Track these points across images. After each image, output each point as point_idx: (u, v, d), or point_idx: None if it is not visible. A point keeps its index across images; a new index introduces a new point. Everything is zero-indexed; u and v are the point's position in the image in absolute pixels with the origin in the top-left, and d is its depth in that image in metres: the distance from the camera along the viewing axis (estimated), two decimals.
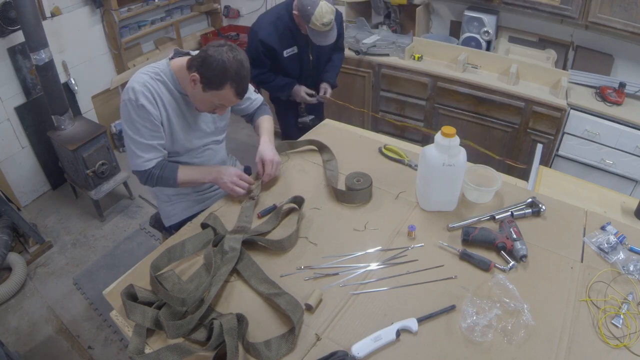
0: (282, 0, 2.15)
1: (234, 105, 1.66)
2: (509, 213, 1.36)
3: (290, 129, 2.48)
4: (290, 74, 2.25)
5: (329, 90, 2.37)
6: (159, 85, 1.37)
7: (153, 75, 1.37)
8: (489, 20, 2.82)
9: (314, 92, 2.30)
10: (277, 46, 2.09)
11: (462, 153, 1.29)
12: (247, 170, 1.79)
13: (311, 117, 2.42)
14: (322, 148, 1.70)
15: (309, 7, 1.92)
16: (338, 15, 2.13)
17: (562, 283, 1.15)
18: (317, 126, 1.96)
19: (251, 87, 1.69)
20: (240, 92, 1.33)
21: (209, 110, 1.42)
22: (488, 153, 1.98)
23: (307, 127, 2.17)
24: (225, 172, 1.47)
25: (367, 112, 3.15)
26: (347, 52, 3.03)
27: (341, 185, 1.48)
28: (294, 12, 2.01)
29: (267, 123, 1.69)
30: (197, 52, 1.35)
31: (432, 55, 2.94)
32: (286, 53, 2.13)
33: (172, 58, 1.42)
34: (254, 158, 1.55)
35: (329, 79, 2.37)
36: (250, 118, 1.75)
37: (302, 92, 2.26)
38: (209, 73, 1.27)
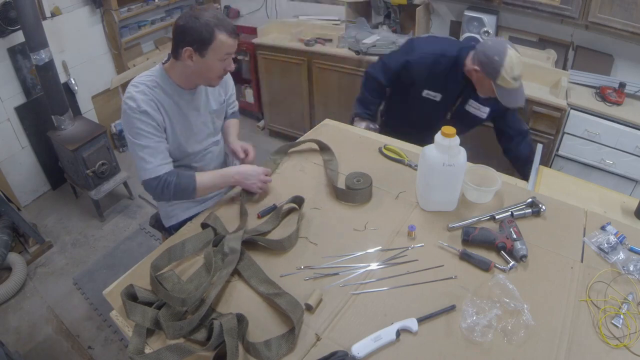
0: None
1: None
2: (509, 213, 1.36)
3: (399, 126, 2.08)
4: (409, 118, 1.92)
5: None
6: (156, 92, 1.36)
7: (149, 83, 1.36)
8: (489, 20, 2.82)
9: (366, 125, 1.95)
10: (419, 82, 1.79)
11: (462, 153, 1.29)
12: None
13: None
14: (323, 148, 1.70)
15: (496, 58, 1.54)
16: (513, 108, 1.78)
17: (562, 283, 1.15)
18: (317, 126, 1.96)
19: (234, 96, 1.72)
20: (232, 31, 1.31)
21: (221, 73, 1.39)
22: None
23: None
24: (251, 171, 1.45)
25: None
26: (347, 52, 3.03)
27: (341, 185, 1.48)
28: (474, 67, 1.64)
29: (234, 127, 1.75)
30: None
31: None
32: (425, 94, 1.81)
33: (165, 62, 1.42)
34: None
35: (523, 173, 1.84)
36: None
37: (363, 125, 1.92)
38: (194, 36, 1.27)
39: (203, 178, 1.42)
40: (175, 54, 1.34)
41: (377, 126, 2.01)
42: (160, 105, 1.36)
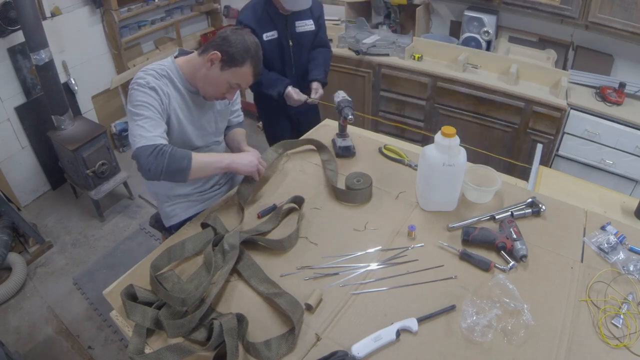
0: None
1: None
2: (509, 213, 1.36)
3: (280, 130, 2.39)
4: (272, 63, 2.13)
5: (320, 90, 2.16)
6: (164, 82, 1.37)
7: (159, 71, 1.37)
8: (489, 20, 2.82)
9: (306, 98, 2.10)
10: (256, 27, 2.01)
11: (462, 153, 1.29)
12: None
13: (348, 138, 1.77)
14: (320, 148, 1.70)
15: None
16: (317, 4, 2.15)
17: (562, 283, 1.15)
18: (317, 126, 1.96)
19: (239, 99, 1.73)
20: (258, 73, 1.38)
21: (220, 93, 1.40)
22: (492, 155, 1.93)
23: (347, 153, 1.73)
24: (247, 155, 1.46)
25: (366, 116, 3.15)
26: (347, 52, 3.03)
27: (341, 186, 1.48)
28: None
29: (244, 135, 1.73)
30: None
31: (432, 55, 2.94)
32: (266, 37, 2.06)
33: (176, 56, 1.43)
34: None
35: (317, 76, 2.18)
36: (226, 129, 1.73)
37: (294, 95, 2.08)
38: (231, 50, 1.31)
39: (199, 155, 1.34)
40: (204, 49, 1.36)
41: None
42: (168, 92, 1.37)
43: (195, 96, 1.45)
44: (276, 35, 2.09)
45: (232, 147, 1.69)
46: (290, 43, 2.15)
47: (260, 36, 2.04)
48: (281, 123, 2.41)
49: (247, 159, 1.43)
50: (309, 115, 2.38)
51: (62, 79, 3.00)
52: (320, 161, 1.66)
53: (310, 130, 1.93)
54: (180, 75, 1.40)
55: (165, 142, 1.29)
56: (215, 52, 1.31)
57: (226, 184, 1.71)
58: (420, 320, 1.04)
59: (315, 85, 2.19)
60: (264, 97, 2.26)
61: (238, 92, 1.67)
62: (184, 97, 1.42)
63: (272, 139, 2.37)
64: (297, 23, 2.12)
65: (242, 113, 1.77)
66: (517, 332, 1.00)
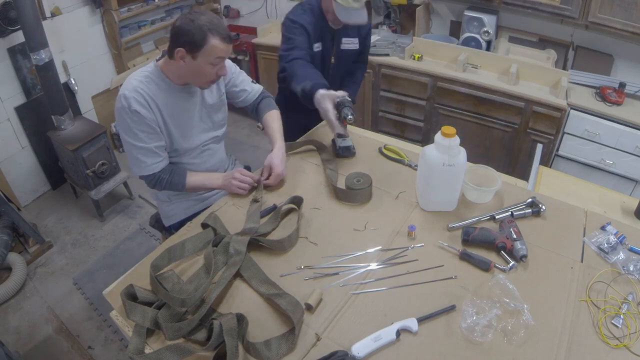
0: None
1: (232, 98, 1.66)
2: (509, 213, 1.36)
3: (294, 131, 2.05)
4: None
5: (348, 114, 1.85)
6: (150, 88, 1.37)
7: (143, 78, 1.38)
8: (489, 20, 2.82)
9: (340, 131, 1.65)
10: (311, 33, 1.85)
11: (462, 153, 1.29)
12: (247, 169, 1.79)
13: (348, 138, 1.73)
14: (320, 148, 1.70)
15: None
16: (367, 24, 1.99)
17: (562, 283, 1.15)
18: (316, 126, 1.96)
19: (248, 79, 1.70)
20: (225, 36, 1.33)
21: (212, 77, 1.41)
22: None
23: (347, 153, 1.70)
24: (228, 175, 1.50)
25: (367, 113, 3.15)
26: None
27: (341, 186, 1.48)
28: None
29: (277, 123, 1.67)
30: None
31: (432, 55, 2.94)
32: (315, 48, 1.93)
33: (159, 59, 1.44)
34: (253, 158, 1.55)
35: (351, 94, 1.87)
36: (254, 110, 1.73)
37: (330, 109, 1.55)
38: (187, 38, 1.30)
39: (192, 179, 1.51)
40: (169, 52, 1.36)
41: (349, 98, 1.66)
42: (152, 103, 1.38)
43: (184, 94, 1.46)
44: (320, 49, 1.96)
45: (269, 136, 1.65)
46: (333, 60, 2.03)
47: (311, 45, 1.88)
48: (293, 121, 2.06)
49: (228, 182, 1.48)
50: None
51: (62, 79, 3.00)
52: (320, 161, 1.66)
53: (310, 131, 1.93)
54: (163, 78, 1.41)
55: (162, 166, 1.46)
56: (178, 49, 1.32)
57: None
58: (420, 320, 1.04)
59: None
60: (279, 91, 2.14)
61: (235, 72, 1.65)
62: (171, 99, 1.43)
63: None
64: (344, 40, 2.00)
65: (257, 86, 1.72)
66: (517, 332, 1.00)
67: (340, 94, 1.59)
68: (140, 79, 1.37)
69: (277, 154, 1.53)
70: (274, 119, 1.68)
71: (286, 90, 1.87)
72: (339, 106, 1.56)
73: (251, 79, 1.72)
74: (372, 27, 3.18)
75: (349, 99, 1.58)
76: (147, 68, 1.42)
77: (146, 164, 1.42)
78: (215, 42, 1.31)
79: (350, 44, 2.03)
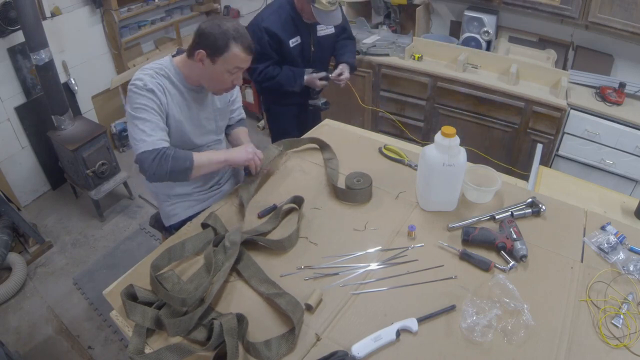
0: None
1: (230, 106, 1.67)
2: (509, 213, 1.36)
3: (286, 127, 2.35)
4: (295, 66, 2.16)
5: (347, 73, 2.21)
6: (163, 81, 1.37)
7: (158, 70, 1.37)
8: (489, 20, 2.82)
9: (324, 74, 2.16)
10: (283, 35, 2.02)
11: (462, 153, 1.29)
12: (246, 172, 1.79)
13: (324, 100, 2.28)
14: (323, 147, 1.70)
15: None
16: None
17: (562, 283, 1.15)
18: (317, 126, 1.96)
19: (240, 96, 1.72)
20: (247, 47, 1.34)
21: (227, 84, 1.41)
22: (490, 158, 1.96)
23: (317, 110, 2.18)
24: (242, 147, 1.49)
25: (368, 107, 3.15)
26: None
27: (341, 185, 1.48)
28: None
29: (246, 134, 1.71)
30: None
31: (432, 55, 2.94)
32: (292, 43, 2.07)
33: (174, 56, 1.43)
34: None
35: (348, 59, 2.24)
36: (228, 128, 1.73)
37: (316, 79, 2.13)
38: (210, 42, 1.30)
39: (200, 155, 1.39)
40: (189, 52, 1.36)
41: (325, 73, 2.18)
42: (166, 91, 1.37)
43: (195, 94, 1.45)
44: (299, 41, 2.10)
45: (235, 147, 1.68)
46: (313, 48, 2.16)
47: (286, 42, 2.05)
48: (288, 120, 2.39)
49: (243, 150, 1.46)
50: (315, 114, 2.41)
51: (62, 79, 3.00)
52: (320, 160, 1.66)
53: (311, 130, 1.93)
54: (178, 74, 1.40)
55: (166, 144, 1.33)
56: (199, 50, 1.31)
57: (226, 183, 1.71)
58: (420, 320, 1.04)
59: (341, 66, 2.21)
60: (269, 93, 2.28)
61: (238, 91, 1.68)
62: (184, 95, 1.42)
63: (277, 137, 2.29)
64: (319, 27, 2.13)
65: (243, 111, 1.76)
66: (517, 332, 1.00)
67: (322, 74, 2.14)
68: (156, 70, 1.37)
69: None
70: (242, 132, 1.72)
71: (271, 91, 2.23)
72: (324, 78, 2.14)
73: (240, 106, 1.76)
74: (372, 27, 3.19)
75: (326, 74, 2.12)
76: (162, 61, 1.41)
77: (153, 137, 1.30)
78: (237, 51, 1.31)
79: (325, 29, 2.17)
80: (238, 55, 1.32)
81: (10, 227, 2.56)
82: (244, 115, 1.77)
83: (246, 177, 1.56)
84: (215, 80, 1.39)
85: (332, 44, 2.26)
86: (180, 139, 1.46)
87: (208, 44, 1.30)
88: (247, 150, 1.47)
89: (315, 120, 2.28)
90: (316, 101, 2.28)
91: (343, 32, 2.27)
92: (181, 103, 1.42)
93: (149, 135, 1.30)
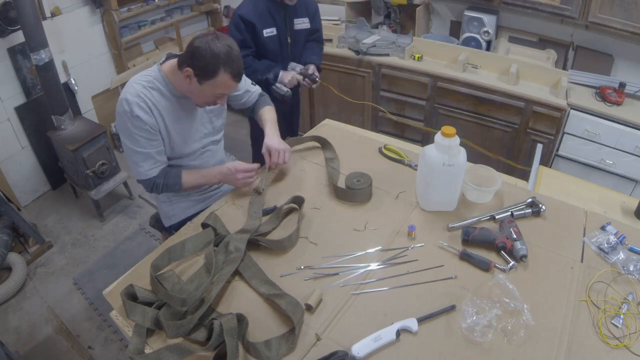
0: None
1: (234, 100, 1.66)
2: (509, 213, 1.36)
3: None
4: (270, 59, 2.20)
5: (317, 73, 2.27)
6: (152, 94, 1.36)
7: (145, 83, 1.36)
8: (489, 20, 2.82)
9: (301, 67, 2.23)
10: (257, 22, 2.06)
11: (462, 153, 1.29)
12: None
13: (287, 89, 2.22)
14: (325, 145, 1.70)
15: None
16: (311, 2, 2.26)
17: (562, 283, 1.15)
18: (317, 126, 1.96)
19: (248, 80, 1.70)
20: (236, 75, 1.32)
21: (210, 103, 1.41)
22: (489, 154, 1.97)
23: (284, 100, 2.17)
24: (227, 171, 1.47)
25: (368, 103, 3.15)
26: (347, 52, 3.03)
27: (341, 185, 1.48)
28: None
29: (269, 114, 1.68)
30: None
31: (432, 55, 2.94)
32: (266, 33, 2.11)
33: (163, 62, 1.41)
34: (253, 156, 1.55)
35: (315, 60, 2.30)
36: (252, 111, 1.74)
37: (288, 72, 2.19)
38: (200, 64, 1.27)
39: (188, 177, 1.49)
40: (179, 64, 1.34)
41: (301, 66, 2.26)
42: (154, 108, 1.37)
43: (184, 101, 1.44)
44: (275, 32, 2.14)
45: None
46: (289, 40, 2.22)
47: (260, 32, 2.10)
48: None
49: (230, 177, 1.47)
50: (293, 107, 2.51)
51: (62, 79, 3.00)
52: (321, 160, 1.66)
53: (311, 130, 1.93)
54: (167, 84, 1.39)
55: (156, 172, 1.45)
56: (187, 68, 1.29)
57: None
58: (420, 320, 1.04)
59: (310, 67, 2.25)
60: None
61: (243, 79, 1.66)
62: (174, 105, 1.42)
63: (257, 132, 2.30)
64: (296, 20, 2.19)
65: (255, 87, 1.73)
66: (517, 332, 1.00)
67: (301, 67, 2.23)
68: (142, 84, 1.35)
69: (269, 137, 1.55)
70: (266, 111, 1.69)
71: None
72: (302, 71, 2.22)
73: (251, 81, 1.72)
74: (372, 27, 3.19)
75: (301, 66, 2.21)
76: (149, 72, 1.40)
77: (143, 168, 1.41)
78: (225, 78, 1.30)
79: (302, 23, 2.24)
80: (225, 83, 1.31)
81: (10, 227, 2.56)
82: (258, 89, 1.74)
83: (254, 194, 1.50)
84: (199, 97, 1.38)
85: (306, 37, 2.31)
86: (172, 150, 1.48)
87: (198, 65, 1.27)
88: (230, 178, 1.47)
89: (293, 115, 2.36)
90: (281, 87, 2.20)
91: (315, 32, 2.34)
92: (172, 113, 1.42)
93: (139, 166, 1.42)
